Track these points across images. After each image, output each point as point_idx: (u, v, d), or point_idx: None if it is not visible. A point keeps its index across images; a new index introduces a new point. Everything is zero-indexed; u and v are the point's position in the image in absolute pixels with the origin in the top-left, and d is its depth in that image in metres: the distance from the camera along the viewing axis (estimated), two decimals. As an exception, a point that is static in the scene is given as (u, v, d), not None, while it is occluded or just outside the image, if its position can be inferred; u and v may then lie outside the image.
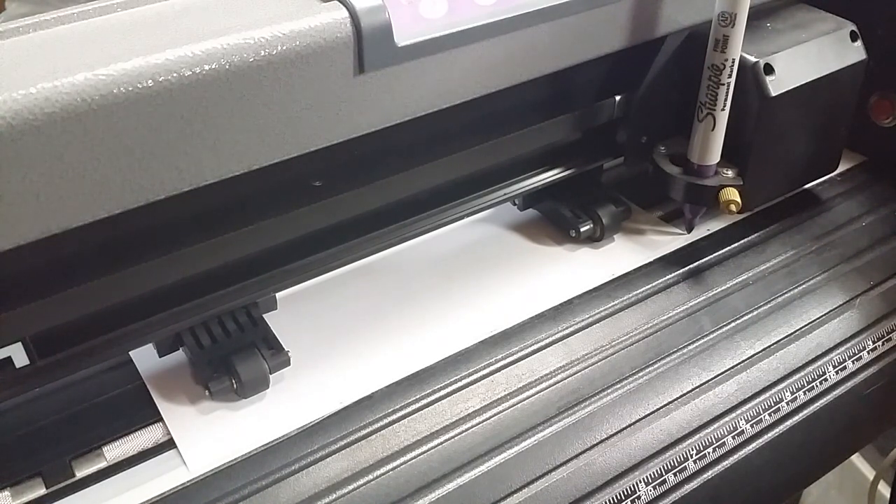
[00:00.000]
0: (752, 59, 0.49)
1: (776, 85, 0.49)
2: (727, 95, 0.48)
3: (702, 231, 0.55)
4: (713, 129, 0.49)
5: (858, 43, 0.53)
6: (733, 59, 0.47)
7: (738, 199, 0.50)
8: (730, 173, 0.51)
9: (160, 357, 0.46)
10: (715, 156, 0.50)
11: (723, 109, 0.48)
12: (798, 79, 0.50)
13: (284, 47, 0.35)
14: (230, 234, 0.43)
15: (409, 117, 0.41)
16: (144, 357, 0.46)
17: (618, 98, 0.52)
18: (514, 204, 0.57)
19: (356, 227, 0.48)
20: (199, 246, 0.42)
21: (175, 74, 0.33)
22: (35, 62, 0.32)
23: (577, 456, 0.42)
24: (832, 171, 0.58)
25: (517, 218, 0.57)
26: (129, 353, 0.46)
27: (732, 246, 0.55)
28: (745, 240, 0.55)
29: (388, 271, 0.52)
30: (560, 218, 0.55)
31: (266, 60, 0.35)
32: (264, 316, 0.47)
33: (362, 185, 0.46)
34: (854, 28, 0.53)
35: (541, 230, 0.56)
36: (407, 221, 0.49)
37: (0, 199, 0.31)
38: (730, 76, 0.47)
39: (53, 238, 0.34)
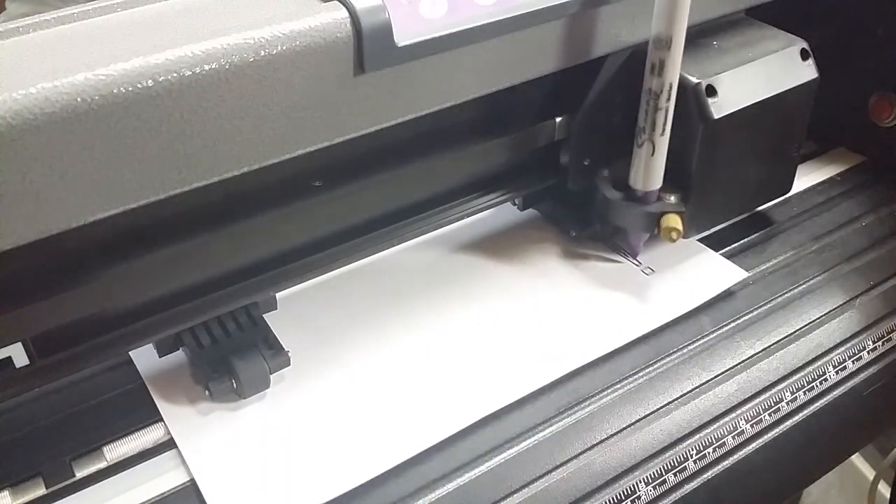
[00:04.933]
0: (694, 79, 0.47)
1: (719, 107, 0.47)
2: (666, 120, 0.46)
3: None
4: (653, 156, 0.47)
5: (809, 61, 0.51)
6: (671, 84, 0.45)
7: (680, 227, 0.48)
8: (672, 199, 0.49)
9: (160, 357, 0.46)
10: (656, 182, 0.48)
11: (662, 135, 0.46)
12: (743, 100, 0.48)
13: (284, 47, 0.35)
14: (230, 234, 0.43)
15: (409, 117, 0.41)
16: (144, 357, 0.46)
17: (559, 119, 0.50)
18: (514, 204, 0.57)
19: (356, 227, 0.48)
20: (199, 246, 0.42)
21: (175, 74, 0.33)
22: (35, 62, 0.32)
23: (577, 456, 0.42)
24: (785, 193, 0.55)
25: (517, 218, 0.57)
26: (129, 353, 0.46)
27: (732, 246, 0.55)
28: (746, 240, 0.55)
29: (388, 271, 0.52)
30: (560, 218, 0.55)
31: (266, 60, 0.35)
32: (264, 316, 0.47)
33: (362, 185, 0.46)
34: (805, 46, 0.51)
35: (541, 230, 0.56)
36: (407, 221, 0.49)
37: (0, 199, 0.31)
38: (668, 101, 0.45)
39: (53, 238, 0.34)
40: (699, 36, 0.50)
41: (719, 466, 0.44)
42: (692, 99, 0.47)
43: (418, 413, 0.43)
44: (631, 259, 0.53)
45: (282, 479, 0.40)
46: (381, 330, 0.48)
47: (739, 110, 0.48)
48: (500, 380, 0.45)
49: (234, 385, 0.44)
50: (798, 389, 0.47)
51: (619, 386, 0.45)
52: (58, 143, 0.31)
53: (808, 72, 0.51)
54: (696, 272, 0.52)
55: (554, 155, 0.52)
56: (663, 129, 0.46)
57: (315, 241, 0.47)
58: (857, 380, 0.49)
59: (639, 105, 0.46)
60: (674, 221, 0.48)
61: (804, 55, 0.50)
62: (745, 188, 0.52)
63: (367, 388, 0.45)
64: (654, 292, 0.51)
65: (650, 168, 0.48)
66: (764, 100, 0.49)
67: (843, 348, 0.49)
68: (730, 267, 0.52)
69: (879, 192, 0.60)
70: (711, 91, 0.47)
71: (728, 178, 0.51)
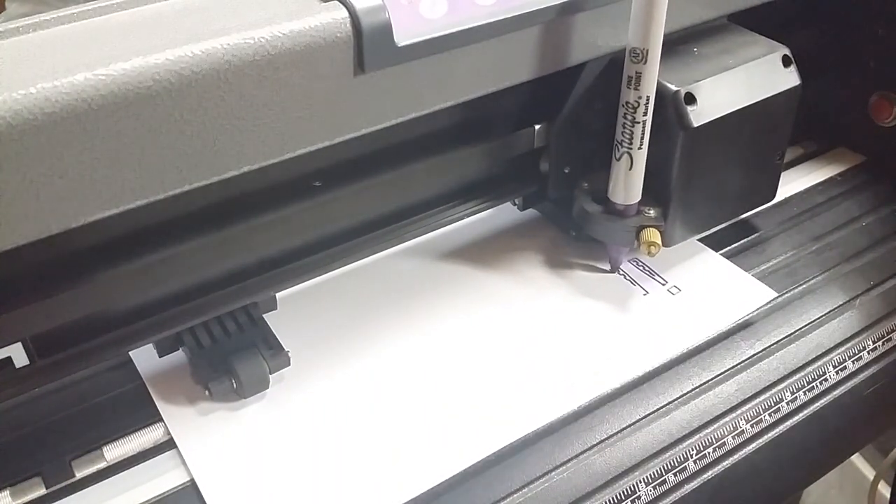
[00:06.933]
0: (673, 87, 0.46)
1: (699, 115, 0.46)
2: (643, 134, 0.45)
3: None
4: (631, 169, 0.46)
5: (791, 68, 0.50)
6: (648, 97, 0.44)
7: (659, 242, 0.47)
8: (652, 213, 0.48)
9: (160, 357, 0.46)
10: (635, 195, 0.48)
11: (640, 148, 0.46)
12: (723, 108, 0.47)
13: (284, 47, 0.35)
14: (230, 234, 0.43)
15: (409, 117, 0.41)
16: (144, 357, 0.46)
17: (538, 127, 0.50)
18: (514, 204, 0.57)
19: (356, 227, 0.48)
20: (199, 246, 0.42)
21: (175, 74, 0.33)
22: (35, 62, 0.32)
23: (577, 456, 0.42)
24: (769, 201, 0.54)
25: (517, 218, 0.57)
26: (129, 353, 0.46)
27: (732, 246, 0.55)
28: (746, 240, 0.55)
29: (388, 271, 0.52)
30: (561, 218, 0.55)
31: (266, 60, 0.35)
32: (264, 316, 0.47)
33: (362, 185, 0.46)
34: (787, 52, 0.50)
35: (541, 230, 0.56)
36: (407, 222, 0.49)
37: (0, 198, 0.31)
38: (645, 114, 0.45)
39: (53, 238, 0.34)
40: (679, 42, 0.49)
41: (719, 466, 0.44)
42: (671, 107, 0.46)
43: (419, 414, 0.43)
44: (657, 277, 0.52)
45: (281, 480, 0.40)
46: (382, 330, 0.48)
47: (720, 118, 0.47)
48: (508, 405, 0.44)
49: (234, 385, 0.44)
50: (798, 389, 0.47)
51: (619, 386, 0.45)
52: (58, 143, 0.31)
53: (790, 78, 0.50)
54: (724, 292, 0.51)
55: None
56: (641, 143, 0.46)
57: (315, 241, 0.47)
58: (857, 380, 0.49)
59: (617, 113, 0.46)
60: (653, 236, 0.47)
61: (786, 62, 0.50)
62: (727, 197, 0.52)
63: (367, 388, 0.45)
64: (681, 316, 0.49)
65: (629, 181, 0.47)
66: (745, 107, 0.48)
67: (843, 348, 0.49)
68: (759, 287, 0.51)
69: (880, 191, 0.60)
70: (691, 99, 0.46)
71: (709, 187, 0.50)
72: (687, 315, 0.49)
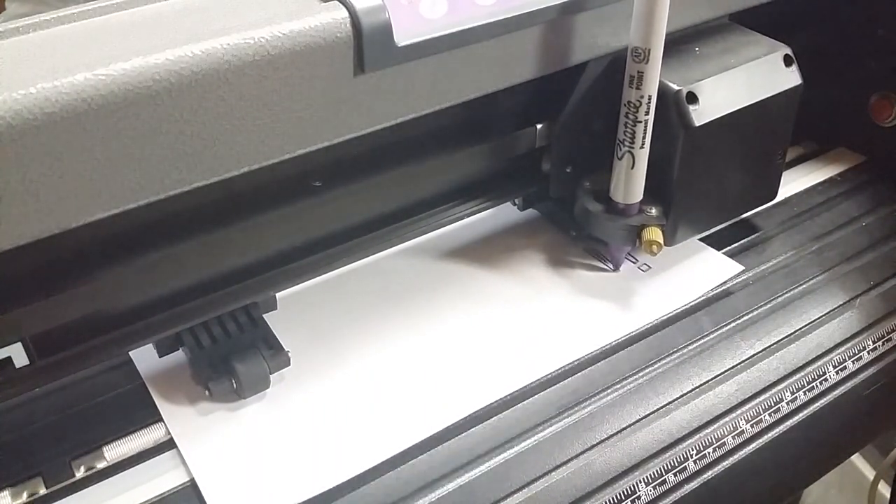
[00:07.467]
0: (675, 87, 0.46)
1: (700, 114, 0.46)
2: (645, 133, 0.45)
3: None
4: (633, 168, 0.46)
5: (793, 67, 0.50)
6: (650, 97, 0.44)
7: (661, 240, 0.47)
8: (654, 211, 0.48)
9: (160, 357, 0.46)
10: (636, 194, 0.48)
11: (641, 147, 0.46)
12: (725, 107, 0.47)
13: (284, 47, 0.35)
14: (230, 234, 0.43)
15: (409, 117, 0.41)
16: (144, 357, 0.46)
17: (539, 126, 0.50)
18: (514, 204, 0.57)
19: (356, 227, 0.48)
20: (199, 246, 0.42)
21: (175, 74, 0.33)
22: (35, 62, 0.32)
23: (577, 456, 0.42)
24: (770, 201, 0.54)
25: (517, 218, 0.57)
26: (129, 353, 0.46)
27: (732, 246, 0.55)
28: (745, 239, 0.55)
29: (388, 271, 0.52)
30: (561, 218, 0.55)
31: (266, 60, 0.35)
32: (264, 316, 0.47)
33: (362, 185, 0.46)
34: (788, 52, 0.50)
35: (541, 230, 0.56)
36: (407, 222, 0.49)
37: (0, 198, 0.31)
38: (647, 113, 0.45)
39: (53, 238, 0.34)
40: (681, 42, 0.49)
41: (719, 466, 0.44)
42: (673, 106, 0.46)
43: (419, 413, 0.43)
44: (629, 257, 0.53)
45: (282, 480, 0.40)
46: (382, 330, 0.48)
47: (721, 117, 0.47)
48: (499, 374, 0.45)
49: (234, 385, 0.44)
50: (798, 389, 0.47)
51: (619, 386, 0.45)
52: (57, 143, 0.31)
53: (791, 78, 0.50)
54: (693, 268, 0.52)
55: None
56: (643, 142, 0.46)
57: (315, 241, 0.47)
58: (857, 380, 0.49)
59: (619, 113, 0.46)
60: (655, 234, 0.48)
61: (787, 61, 0.50)
62: (729, 196, 0.52)
63: (367, 387, 0.45)
64: (652, 289, 0.51)
65: (630, 181, 0.47)
66: (746, 107, 0.48)
67: (843, 348, 0.49)
68: (726, 262, 0.52)
69: (879, 192, 0.60)
70: (692, 98, 0.46)
71: (710, 187, 0.50)
72: (658, 289, 0.51)
